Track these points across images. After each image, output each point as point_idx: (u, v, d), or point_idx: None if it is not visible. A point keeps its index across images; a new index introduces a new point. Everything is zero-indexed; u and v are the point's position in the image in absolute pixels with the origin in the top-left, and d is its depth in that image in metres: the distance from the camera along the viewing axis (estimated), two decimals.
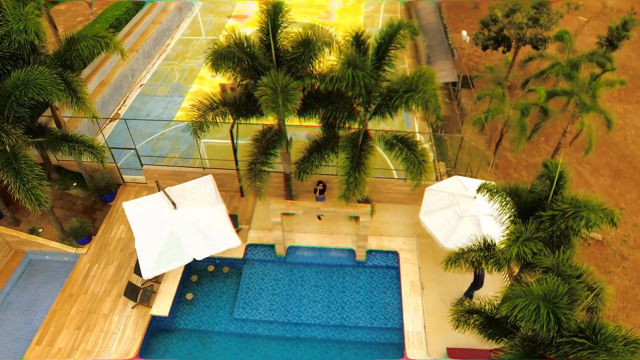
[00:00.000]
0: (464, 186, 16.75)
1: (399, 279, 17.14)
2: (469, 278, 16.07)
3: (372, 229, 18.42)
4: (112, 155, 19.88)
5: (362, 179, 14.56)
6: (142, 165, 19.65)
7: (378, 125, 16.09)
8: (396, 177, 19.96)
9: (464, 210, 15.84)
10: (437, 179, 19.70)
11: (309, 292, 16.97)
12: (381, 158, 22.01)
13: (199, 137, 15.70)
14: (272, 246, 17.84)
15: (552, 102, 22.02)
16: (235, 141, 17.83)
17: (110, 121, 23.90)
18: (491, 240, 12.91)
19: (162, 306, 16.11)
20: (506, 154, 23.84)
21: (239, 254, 17.65)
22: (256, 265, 17.79)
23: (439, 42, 25.60)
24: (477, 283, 15.51)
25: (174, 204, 15.56)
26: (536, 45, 25.27)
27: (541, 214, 11.49)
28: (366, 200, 17.69)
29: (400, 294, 16.72)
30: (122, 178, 20.38)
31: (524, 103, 20.43)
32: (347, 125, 15.89)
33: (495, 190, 12.34)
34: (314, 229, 18.60)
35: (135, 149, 19.33)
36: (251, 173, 15.31)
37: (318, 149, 16.26)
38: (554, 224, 11.16)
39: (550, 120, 20.30)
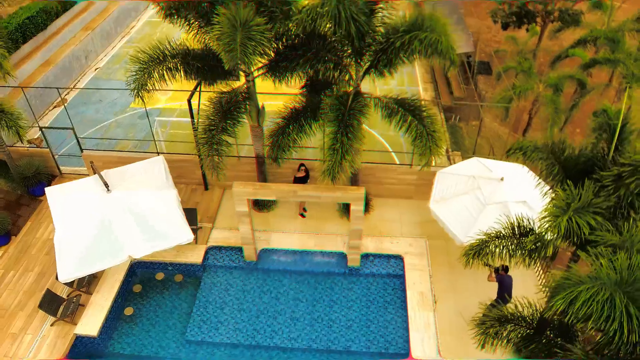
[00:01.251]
0: (486, 168, 14.12)
1: (404, 290, 14.33)
2: (494, 287, 13.22)
3: (370, 228, 15.71)
4: (44, 138, 17.38)
5: (351, 145, 11.94)
6: (82, 150, 17.11)
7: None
8: (398, 162, 17.34)
9: (488, 196, 13.16)
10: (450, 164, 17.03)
11: (286, 308, 14.13)
12: (379, 142, 19.45)
13: (143, 100, 13.26)
14: (240, 249, 15.09)
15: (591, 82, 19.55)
16: (196, 119, 15.29)
17: (53, 107, 21.55)
18: (528, 222, 10.17)
19: (90, 323, 13.28)
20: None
21: (197, 259, 14.89)
22: (219, 272, 15.00)
23: (450, 11, 23.41)
24: (503, 292, 12.64)
25: (107, 185, 12.91)
26: (567, 20, 23.02)
27: (601, 174, 8.81)
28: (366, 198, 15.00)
29: (405, 309, 13.87)
30: (59, 168, 17.81)
31: (557, 76, 17.97)
32: (334, 87, 13.36)
33: (532, 148, 9.69)
34: (294, 227, 15.89)
35: (72, 128, 16.81)
36: (208, 144, 12.70)
37: (296, 118, 13.72)
38: (620, 186, 8.47)
39: (589, 96, 17.81)
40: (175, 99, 21.69)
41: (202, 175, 16.86)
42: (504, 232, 10.33)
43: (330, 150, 12.12)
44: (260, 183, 13.94)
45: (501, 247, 10.18)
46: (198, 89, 14.58)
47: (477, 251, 10.35)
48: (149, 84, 13.13)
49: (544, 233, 9.12)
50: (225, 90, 13.03)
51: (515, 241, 10.01)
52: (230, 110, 12.72)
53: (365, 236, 15.31)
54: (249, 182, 13.52)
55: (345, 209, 16.07)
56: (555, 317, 9.25)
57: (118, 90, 22.76)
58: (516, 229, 10.15)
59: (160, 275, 15.03)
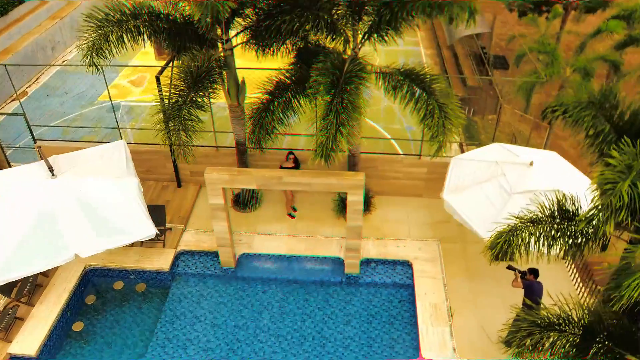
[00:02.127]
0: (511, 153, 12.48)
1: (413, 302, 12.52)
2: (521, 293, 11.40)
3: (371, 229, 13.98)
4: None
5: (349, 116, 10.30)
6: (35, 140, 15.48)
7: None
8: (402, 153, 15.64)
9: (514, 184, 11.46)
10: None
11: (270, 323, 12.29)
12: (376, 132, 17.83)
13: (98, 69, 11.74)
14: (216, 254, 13.32)
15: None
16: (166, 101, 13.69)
17: (11, 100, 20.01)
18: (573, 202, 8.45)
19: (29, 341, 11.46)
20: (561, 144, 19.60)
21: (164, 265, 13.11)
22: (191, 281, 13.20)
23: None
24: (532, 299, 10.75)
25: (51, 170, 11.22)
26: (593, 6, 21.64)
27: None
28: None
29: (415, 324, 12.03)
30: (9, 163, 16.16)
31: (586, 59, 16.45)
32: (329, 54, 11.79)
33: (576, 104, 8.03)
34: (281, 229, 14.15)
35: (23, 114, 15.20)
36: (175, 119, 11.06)
37: (283, 92, 12.12)
38: None
39: (623, 81, 16.26)
40: (150, 91, 20.17)
41: (174, 168, 15.18)
42: (541, 216, 8.61)
43: (323, 122, 10.49)
44: (238, 168, 12.30)
45: (538, 235, 8.46)
46: (170, 65, 13.03)
47: (506, 241, 8.62)
48: (105, 50, 11.61)
49: (596, 211, 7.39)
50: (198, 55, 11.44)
51: (557, 227, 8.29)
52: (201, 78, 11.10)
53: (366, 239, 13.56)
54: (224, 167, 11.83)
55: (342, 207, 14.36)
56: (611, 320, 7.47)
57: (87, 83, 21.31)
58: (557, 212, 8.43)
59: (119, 285, 13.21)
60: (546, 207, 8.47)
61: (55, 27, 23.22)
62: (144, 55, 23.47)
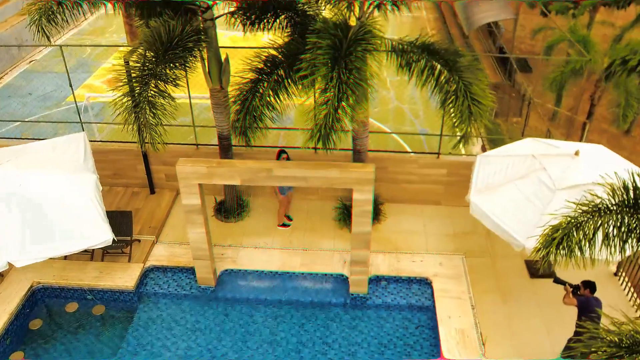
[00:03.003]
0: (549, 145, 10.88)
1: (434, 327, 10.70)
2: (570, 314, 9.58)
3: (381, 242, 12.25)
4: None
5: (354, 88, 8.68)
6: None
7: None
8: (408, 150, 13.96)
9: (557, 178, 9.79)
10: None
11: (257, 354, 10.45)
12: (392, 141, 16.20)
13: (47, 36, 10.26)
14: (192, 270, 11.54)
15: None
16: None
17: None
18: None
19: None
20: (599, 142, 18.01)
21: (129, 283, 11.32)
22: (161, 303, 11.40)
23: None
24: (589, 315, 8.92)
25: None
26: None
27: None
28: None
29: (438, 354, 10.16)
30: None
31: (628, 46, 14.96)
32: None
33: None
34: (273, 241, 12.41)
35: None
36: (140, 96, 9.43)
37: (273, 70, 10.55)
38: None
39: None
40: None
41: (146, 171, 13.50)
42: (608, 205, 6.90)
43: (322, 96, 8.87)
44: (218, 160, 10.65)
45: (607, 227, 6.74)
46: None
47: (565, 236, 6.89)
48: (58, 15, 10.13)
49: None
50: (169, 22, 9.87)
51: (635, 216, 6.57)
52: (173, 45, 9.51)
53: (375, 253, 11.82)
54: (201, 158, 10.18)
55: (345, 216, 12.65)
56: None
57: (54, 84, 19.91)
58: (633, 198, 6.71)
59: (72, 306, 11.38)
60: (617, 192, 6.77)
61: (22, 25, 21.92)
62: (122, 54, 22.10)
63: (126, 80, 9.70)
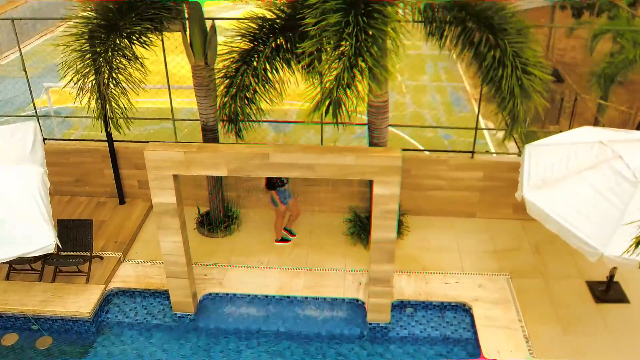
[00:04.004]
0: (614, 132, 9.20)
1: None
2: None
3: (406, 260, 10.36)
4: None
5: (370, 48, 6.95)
6: None
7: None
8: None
9: (639, 167, 7.98)
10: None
11: None
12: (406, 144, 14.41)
13: None
14: (165, 294, 9.57)
15: None
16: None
17: None
18: None
19: None
20: None
21: (84, 309, 9.35)
22: (125, 335, 9.43)
23: None
24: None
25: None
26: None
27: None
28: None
29: None
30: None
31: None
32: None
33: None
34: (269, 259, 10.51)
35: None
36: (100, 58, 7.70)
37: (270, 38, 8.87)
38: None
39: None
40: None
41: (114, 177, 11.67)
42: None
43: (333, 56, 7.13)
44: (198, 144, 8.84)
45: None
46: None
47: None
48: None
49: None
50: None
51: None
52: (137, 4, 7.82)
53: (397, 273, 9.90)
54: (175, 142, 8.37)
55: (359, 228, 10.81)
56: None
57: (19, 89, 18.29)
58: None
59: (11, 338, 9.36)
60: None
61: None
62: None
63: (82, 37, 7.98)
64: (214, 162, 7.96)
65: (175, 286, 9.20)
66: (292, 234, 11.06)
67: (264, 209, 11.46)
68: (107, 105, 7.93)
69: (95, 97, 8.23)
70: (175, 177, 8.23)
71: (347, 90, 7.10)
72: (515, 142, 13.24)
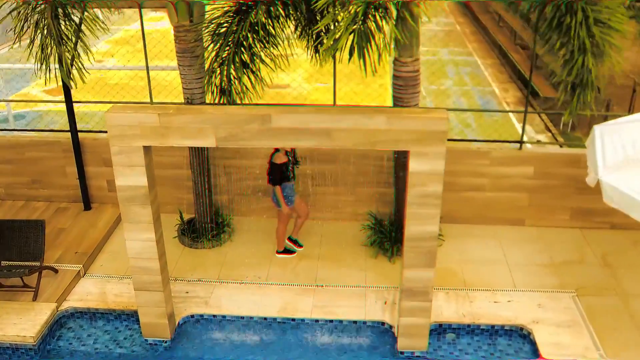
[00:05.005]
0: None
1: None
2: None
3: (442, 274, 8.48)
4: None
5: None
6: None
7: None
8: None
9: None
10: None
11: None
12: None
13: None
14: (135, 316, 7.72)
15: None
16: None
17: None
18: None
19: None
20: None
21: (29, 333, 7.51)
22: None
23: None
24: None
25: None
26: None
27: None
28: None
29: None
30: None
31: None
32: None
33: None
34: (269, 274, 8.76)
35: None
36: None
37: None
38: None
39: None
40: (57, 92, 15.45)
41: (79, 177, 9.97)
42: None
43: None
44: (178, 106, 7.19)
45: None
46: None
47: None
48: None
49: None
50: None
51: None
52: None
53: (434, 289, 8.08)
54: (148, 104, 6.72)
55: (382, 236, 9.07)
56: None
57: None
58: None
59: None
60: None
61: None
62: None
63: None
64: (199, 127, 6.28)
65: (146, 302, 7.39)
66: (299, 245, 9.31)
67: (262, 216, 9.78)
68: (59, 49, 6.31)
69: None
70: (147, 150, 6.56)
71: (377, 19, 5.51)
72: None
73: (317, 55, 8.56)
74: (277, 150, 8.43)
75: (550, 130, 13.93)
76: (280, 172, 8.39)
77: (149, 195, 6.68)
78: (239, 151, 9.52)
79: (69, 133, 9.69)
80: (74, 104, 9.63)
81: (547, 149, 10.49)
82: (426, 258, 6.77)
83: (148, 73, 9.76)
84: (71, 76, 7.33)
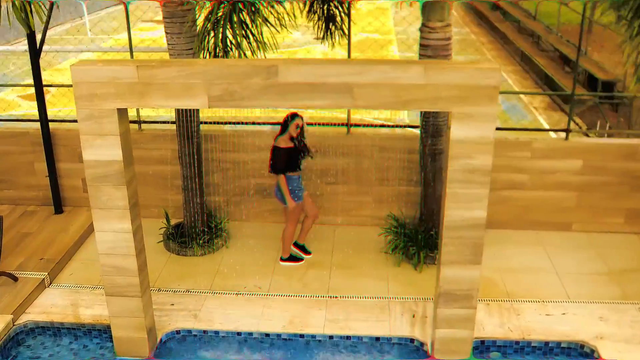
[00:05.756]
0: None
1: None
2: None
3: (485, 283, 7.20)
4: None
5: None
6: None
7: None
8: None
9: None
10: None
11: None
12: None
13: None
14: (107, 332, 6.50)
15: None
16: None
17: None
18: None
19: None
20: None
21: None
22: None
23: None
24: None
25: None
26: None
27: None
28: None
29: None
30: None
31: None
32: None
33: None
34: (271, 284, 7.59)
35: None
36: None
37: None
38: None
39: None
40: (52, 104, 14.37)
41: (49, 177, 8.87)
42: None
43: None
44: (160, 60, 6.13)
45: None
46: None
47: None
48: None
49: None
50: None
51: None
52: None
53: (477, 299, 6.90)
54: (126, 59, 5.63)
55: (405, 239, 7.92)
56: None
57: None
58: None
59: None
60: None
61: None
62: (58, 72, 18.32)
63: None
64: (187, 82, 5.19)
65: (120, 311, 6.19)
66: (306, 252, 8.15)
67: (264, 221, 8.68)
68: None
69: None
70: (123, 114, 5.46)
71: None
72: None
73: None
74: (282, 130, 7.35)
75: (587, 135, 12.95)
76: (285, 159, 7.29)
77: (124, 173, 5.56)
78: (236, 143, 8.46)
79: (39, 123, 8.62)
80: (44, 88, 8.61)
81: (598, 139, 9.38)
82: (470, 252, 5.62)
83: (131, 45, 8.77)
84: None
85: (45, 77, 9.30)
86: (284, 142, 7.32)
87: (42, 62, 8.60)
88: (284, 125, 7.44)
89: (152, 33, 24.39)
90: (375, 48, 19.85)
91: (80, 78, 5.25)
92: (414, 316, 6.93)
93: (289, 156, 7.30)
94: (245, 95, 5.19)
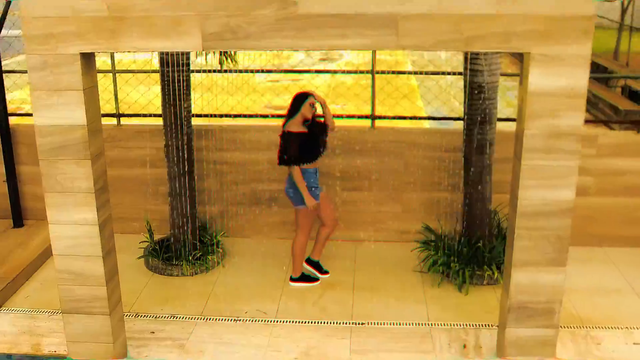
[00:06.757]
0: None
1: None
2: None
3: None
4: None
5: None
6: None
7: None
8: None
9: None
10: None
11: None
12: None
13: None
14: None
15: None
16: None
17: None
18: None
19: None
20: None
21: None
22: None
23: None
24: None
25: None
26: None
27: None
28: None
29: None
30: None
31: None
32: None
33: None
34: (279, 308, 6.35)
35: None
36: None
37: None
38: None
39: None
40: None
41: (7, 183, 7.72)
42: None
43: None
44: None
45: None
46: None
47: None
48: None
49: None
50: None
51: None
52: None
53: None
54: None
55: (445, 255, 6.70)
56: None
57: None
58: None
59: None
60: None
61: None
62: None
63: None
64: (175, 15, 4.06)
65: (81, 334, 4.93)
66: (322, 271, 6.91)
67: (268, 236, 7.49)
68: None
69: None
70: (88, 61, 4.33)
71: None
72: None
73: None
74: (293, 113, 6.21)
75: None
76: (298, 145, 6.12)
77: (89, 143, 4.39)
78: (235, 141, 7.33)
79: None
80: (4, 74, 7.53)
81: None
82: (553, 249, 4.42)
83: None
84: None
85: (7, 64, 8.21)
86: (296, 126, 6.17)
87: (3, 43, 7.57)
88: (294, 105, 6.30)
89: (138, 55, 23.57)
90: None
91: (31, 12, 4.13)
92: (465, 346, 5.66)
93: (303, 142, 6.14)
94: (251, 32, 4.06)
